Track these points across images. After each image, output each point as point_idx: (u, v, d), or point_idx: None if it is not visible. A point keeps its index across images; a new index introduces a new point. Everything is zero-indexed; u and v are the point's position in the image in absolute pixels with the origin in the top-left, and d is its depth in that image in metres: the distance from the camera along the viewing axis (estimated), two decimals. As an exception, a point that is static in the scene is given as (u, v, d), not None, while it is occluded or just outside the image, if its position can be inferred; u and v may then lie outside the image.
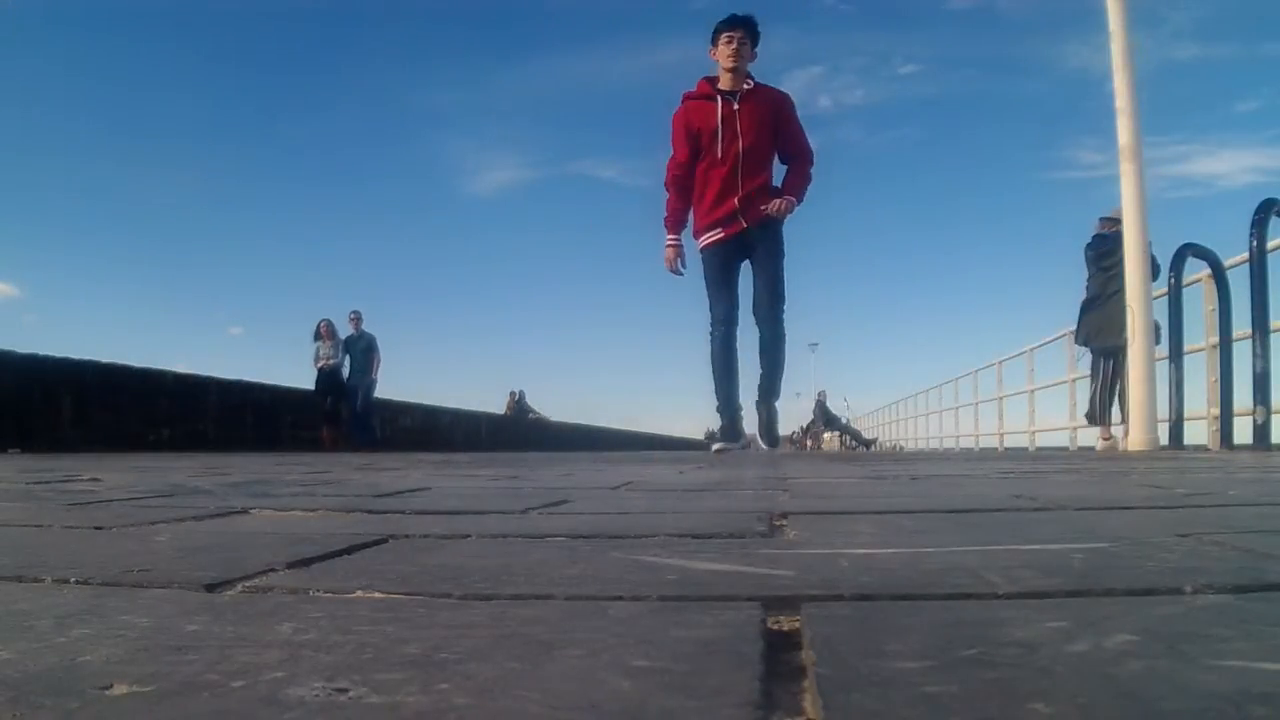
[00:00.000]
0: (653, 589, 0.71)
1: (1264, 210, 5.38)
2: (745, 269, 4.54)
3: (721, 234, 4.42)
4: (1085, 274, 7.02)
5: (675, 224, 4.60)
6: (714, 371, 4.55)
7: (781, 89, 4.55)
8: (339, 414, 10.91)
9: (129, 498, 1.78)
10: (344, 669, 0.48)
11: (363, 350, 11.09)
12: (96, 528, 1.23)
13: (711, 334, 4.53)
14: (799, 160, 4.52)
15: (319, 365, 10.86)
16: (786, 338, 4.57)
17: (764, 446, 4.70)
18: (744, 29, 4.31)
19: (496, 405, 19.36)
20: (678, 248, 4.58)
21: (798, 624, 0.58)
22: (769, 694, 0.44)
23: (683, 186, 4.53)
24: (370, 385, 11.14)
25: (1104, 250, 6.67)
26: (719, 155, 4.34)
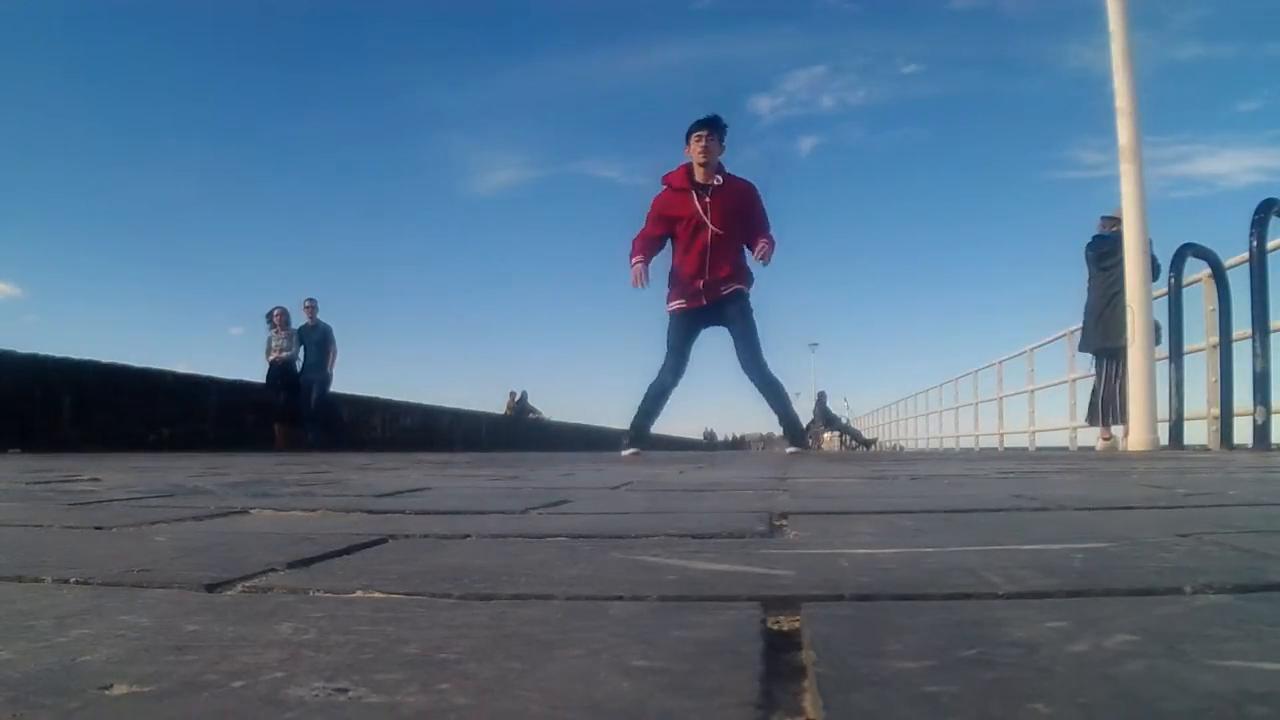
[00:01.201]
0: (653, 589, 0.71)
1: (1264, 210, 5.37)
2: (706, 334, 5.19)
3: (685, 305, 5.06)
4: (1085, 274, 7.03)
5: (640, 252, 5.07)
6: (644, 399, 5.22)
7: (748, 180, 5.11)
8: (293, 410, 10.07)
9: (129, 498, 1.78)
10: (344, 669, 0.48)
11: (318, 342, 10.24)
12: (96, 528, 1.23)
13: (658, 375, 5.18)
14: (764, 237, 5.03)
15: (271, 358, 10.07)
16: (780, 382, 5.18)
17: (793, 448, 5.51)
18: (709, 128, 4.91)
19: (496, 405, 19.37)
20: (642, 269, 5.05)
21: (798, 624, 0.58)
22: (769, 694, 0.44)
23: (648, 246, 5.07)
24: (326, 379, 10.29)
25: (1104, 250, 6.67)
26: (689, 240, 4.95)
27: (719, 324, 5.11)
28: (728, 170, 5.02)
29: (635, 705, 0.42)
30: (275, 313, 10.18)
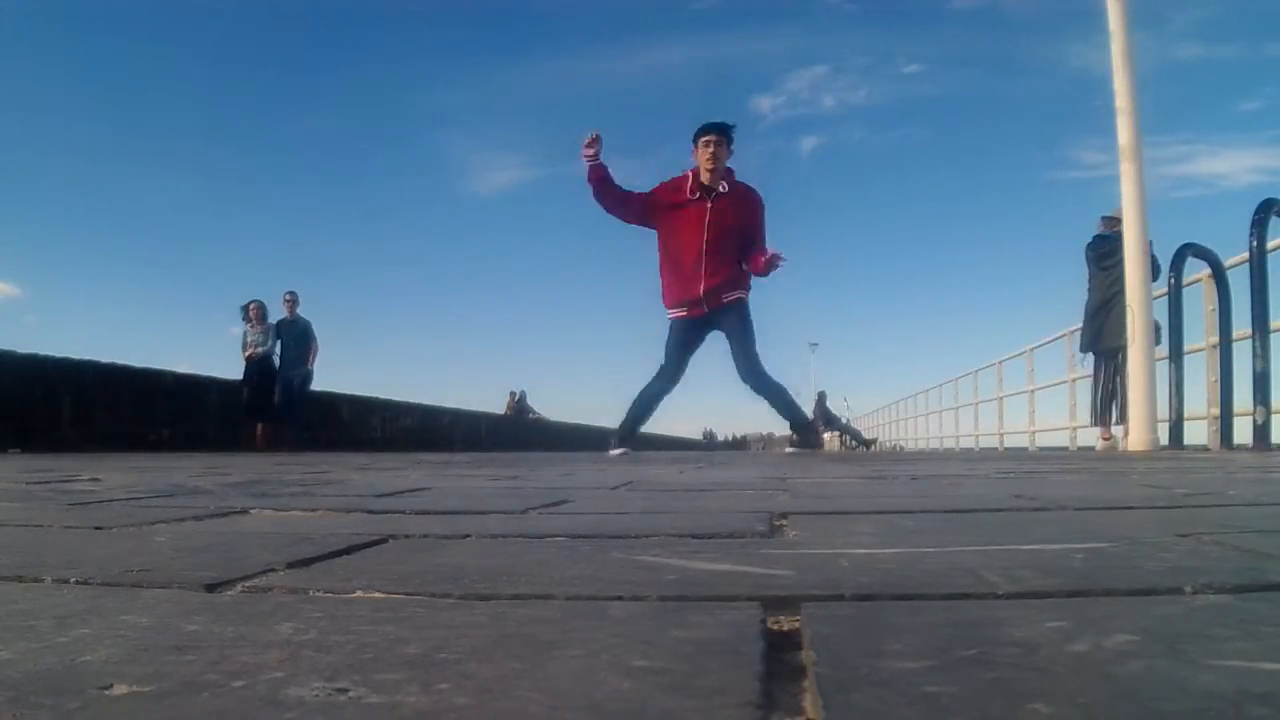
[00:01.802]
0: (653, 589, 0.71)
1: (1264, 210, 5.38)
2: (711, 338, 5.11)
3: (686, 313, 4.98)
4: (1086, 274, 7.03)
5: (603, 170, 4.91)
6: (635, 403, 5.16)
7: (754, 189, 5.02)
8: (270, 408, 9.53)
9: (129, 498, 1.78)
10: (344, 669, 0.48)
11: (297, 337, 9.73)
12: (96, 528, 1.23)
13: (653, 380, 5.12)
14: (759, 253, 4.96)
15: (247, 354, 9.53)
16: (779, 384, 5.11)
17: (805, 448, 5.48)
18: (718, 134, 4.82)
19: (496, 405, 19.37)
20: (597, 154, 4.88)
21: (798, 624, 0.58)
22: (769, 694, 0.44)
23: (625, 195, 4.94)
24: (306, 376, 9.82)
25: (1104, 250, 6.67)
26: (687, 242, 4.85)
27: (718, 329, 5.05)
28: (735, 178, 4.95)
29: (635, 705, 0.42)
30: (251, 306, 9.60)
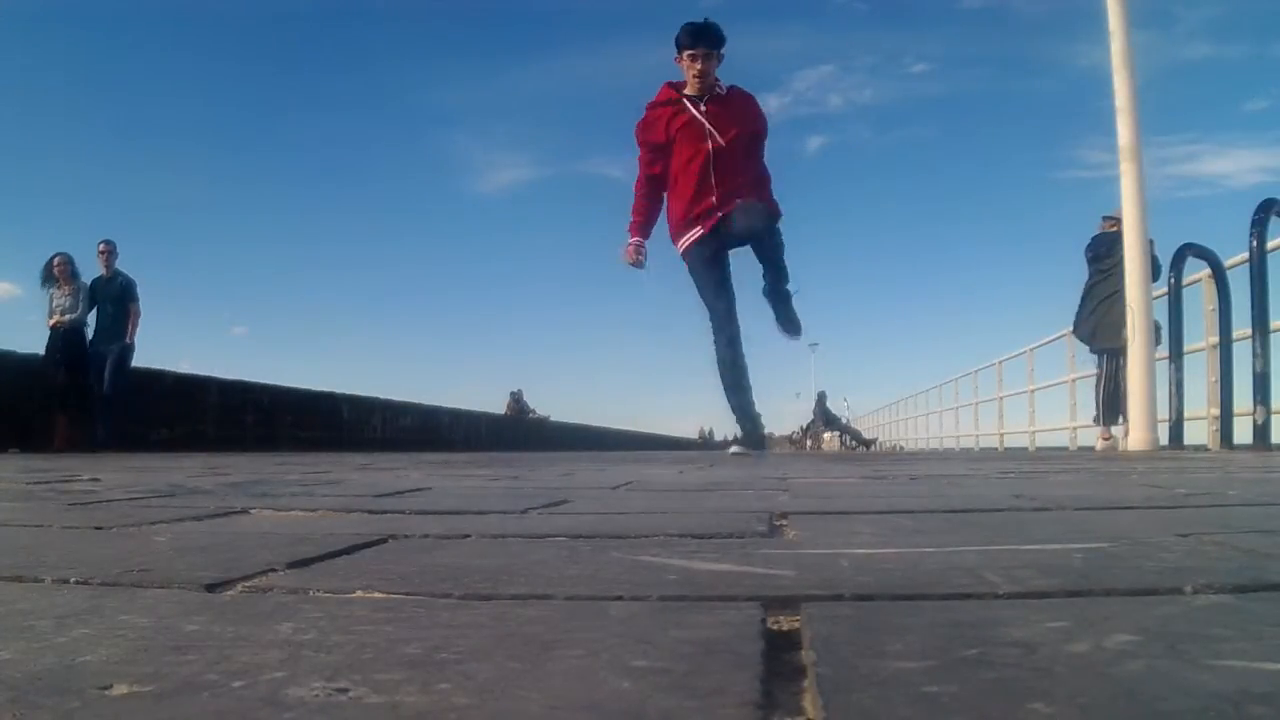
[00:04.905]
0: (653, 589, 0.71)
1: (1264, 210, 5.37)
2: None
3: (700, 230, 4.21)
4: (1086, 273, 7.04)
5: (638, 228, 4.45)
6: (724, 382, 4.33)
7: (756, 99, 4.42)
8: (82, 393, 7.44)
9: (129, 498, 1.77)
10: (344, 669, 0.48)
11: (114, 299, 7.59)
12: (96, 528, 1.23)
13: (715, 341, 4.29)
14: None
15: (53, 323, 7.46)
16: (799, 321, 4.46)
17: (786, 337, 4.59)
18: (705, 44, 4.13)
19: (496, 405, 19.36)
20: (638, 245, 4.42)
21: (798, 624, 0.58)
22: (769, 694, 0.44)
23: (651, 192, 4.41)
24: (125, 352, 7.61)
25: (1104, 250, 6.68)
26: (686, 157, 4.19)
27: (745, 241, 4.24)
28: (726, 83, 4.30)
29: (635, 705, 0.42)
30: (55, 261, 7.53)
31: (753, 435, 4.47)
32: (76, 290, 7.56)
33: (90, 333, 7.65)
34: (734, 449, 4.44)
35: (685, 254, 4.28)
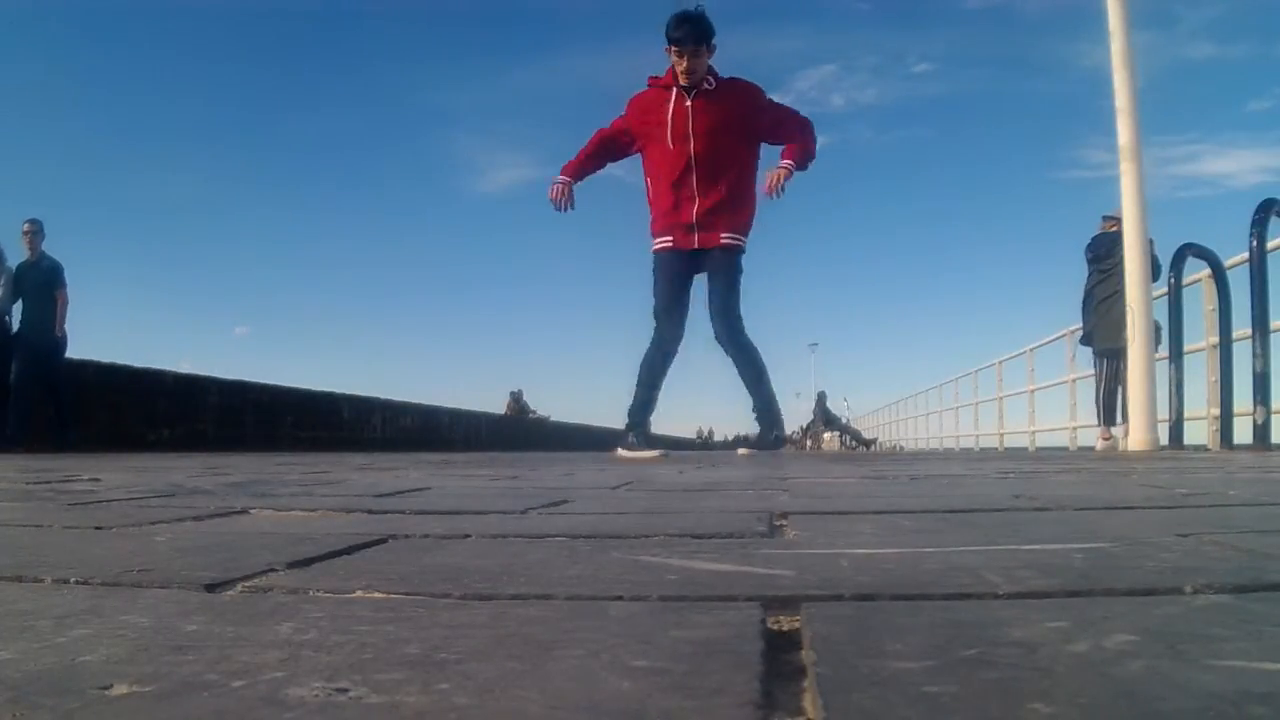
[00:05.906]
0: (653, 589, 0.71)
1: (1264, 210, 5.38)
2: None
3: (671, 243, 4.20)
4: (1086, 273, 7.04)
5: (572, 168, 4.30)
6: (639, 376, 4.30)
7: (749, 80, 4.24)
8: (8, 389, 6.76)
9: (129, 498, 1.77)
10: (344, 669, 0.48)
11: (41, 285, 6.90)
12: (96, 528, 1.23)
13: (652, 345, 4.26)
14: (798, 132, 4.22)
15: None
16: (757, 349, 4.27)
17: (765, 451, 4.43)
18: (692, 41, 4.00)
19: (496, 405, 19.37)
20: (565, 184, 4.26)
21: (798, 624, 0.58)
22: (769, 694, 0.44)
23: (601, 151, 4.33)
24: (57, 345, 6.97)
25: (1103, 251, 6.68)
26: (669, 148, 4.12)
27: (703, 270, 4.23)
28: (722, 75, 4.18)
29: (635, 705, 0.42)
30: None
31: (636, 420, 4.32)
32: (2, 276, 6.85)
33: (15, 324, 6.98)
34: (623, 453, 4.29)
35: (655, 252, 4.29)
